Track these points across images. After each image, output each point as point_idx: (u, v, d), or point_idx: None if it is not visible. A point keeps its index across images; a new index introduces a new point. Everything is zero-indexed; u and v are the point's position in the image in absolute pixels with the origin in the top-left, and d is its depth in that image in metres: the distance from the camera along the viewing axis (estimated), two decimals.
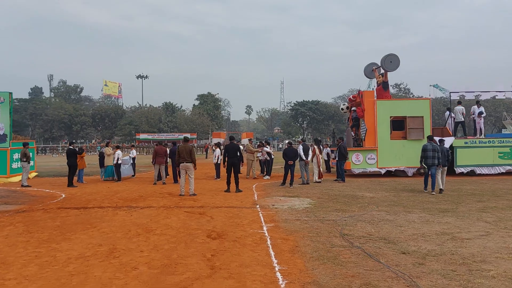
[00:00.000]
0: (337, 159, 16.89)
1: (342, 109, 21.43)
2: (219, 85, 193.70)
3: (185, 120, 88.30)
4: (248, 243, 6.55)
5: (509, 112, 31.36)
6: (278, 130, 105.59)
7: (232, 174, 13.37)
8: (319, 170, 16.07)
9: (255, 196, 12.37)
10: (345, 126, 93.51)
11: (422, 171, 13.08)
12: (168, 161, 17.63)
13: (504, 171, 18.56)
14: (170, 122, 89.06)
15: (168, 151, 17.27)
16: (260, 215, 9.09)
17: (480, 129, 19.87)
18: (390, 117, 18.65)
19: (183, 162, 12.66)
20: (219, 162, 17.97)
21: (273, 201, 11.14)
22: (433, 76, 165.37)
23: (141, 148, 68.49)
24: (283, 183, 14.66)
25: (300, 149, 15.45)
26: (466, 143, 18.80)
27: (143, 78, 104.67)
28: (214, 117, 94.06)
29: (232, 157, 13.31)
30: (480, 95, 19.36)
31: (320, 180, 16.00)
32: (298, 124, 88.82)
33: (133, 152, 20.73)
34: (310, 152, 15.57)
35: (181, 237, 7.06)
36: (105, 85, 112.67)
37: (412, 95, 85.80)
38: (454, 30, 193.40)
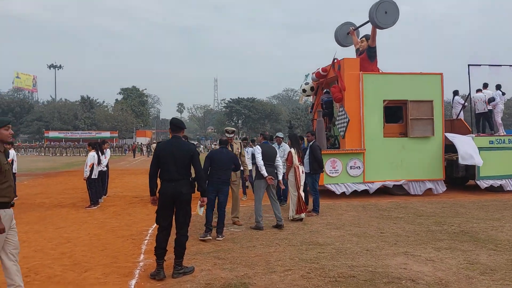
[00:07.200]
0: (307, 170, 9.40)
1: (304, 90, 13.72)
2: (148, 82, 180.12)
3: (105, 117, 77.61)
4: None
5: None
6: (212, 129, 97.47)
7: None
8: (299, 196, 7.98)
9: (135, 277, 4.57)
10: (281, 126, 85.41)
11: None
12: None
13: None
14: (87, 119, 77.89)
15: None
16: None
17: (497, 122, 13.61)
18: (384, 101, 11.76)
19: None
20: (94, 176, 9.77)
21: None
22: None
23: (48, 149, 57.55)
24: (207, 229, 6.62)
25: (258, 153, 7.33)
26: (491, 142, 12.40)
27: (57, 68, 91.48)
28: (140, 114, 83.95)
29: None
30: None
31: (302, 216, 8.04)
32: (233, 123, 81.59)
33: None
34: (280, 161, 7.67)
35: None
36: (17, 77, 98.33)
37: None
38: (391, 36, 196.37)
